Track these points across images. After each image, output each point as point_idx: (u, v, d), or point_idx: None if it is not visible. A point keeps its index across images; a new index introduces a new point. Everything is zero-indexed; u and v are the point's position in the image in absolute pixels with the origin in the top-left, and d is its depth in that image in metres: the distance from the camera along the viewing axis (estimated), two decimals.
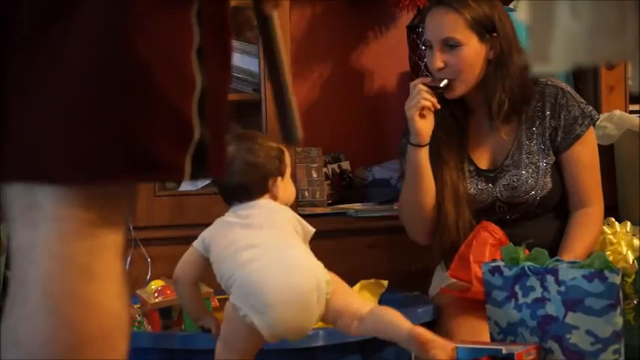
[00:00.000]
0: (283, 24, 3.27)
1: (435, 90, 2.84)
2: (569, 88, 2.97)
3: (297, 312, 2.26)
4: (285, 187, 2.46)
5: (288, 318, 2.26)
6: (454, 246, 2.83)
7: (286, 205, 2.45)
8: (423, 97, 2.82)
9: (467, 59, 2.85)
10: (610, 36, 1.17)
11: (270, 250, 2.31)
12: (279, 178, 2.44)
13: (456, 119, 2.97)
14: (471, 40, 2.85)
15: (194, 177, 1.39)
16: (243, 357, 2.30)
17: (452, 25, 2.85)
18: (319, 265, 2.32)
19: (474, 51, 2.85)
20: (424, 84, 2.85)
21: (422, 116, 2.84)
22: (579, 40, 1.17)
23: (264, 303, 2.24)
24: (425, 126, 2.85)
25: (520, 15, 1.21)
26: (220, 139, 1.42)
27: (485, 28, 2.85)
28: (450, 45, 2.85)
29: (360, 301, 2.36)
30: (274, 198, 2.43)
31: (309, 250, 2.36)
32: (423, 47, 3.58)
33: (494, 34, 2.86)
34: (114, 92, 1.32)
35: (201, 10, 1.37)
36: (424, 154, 2.87)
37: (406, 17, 3.68)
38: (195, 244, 2.39)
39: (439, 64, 2.86)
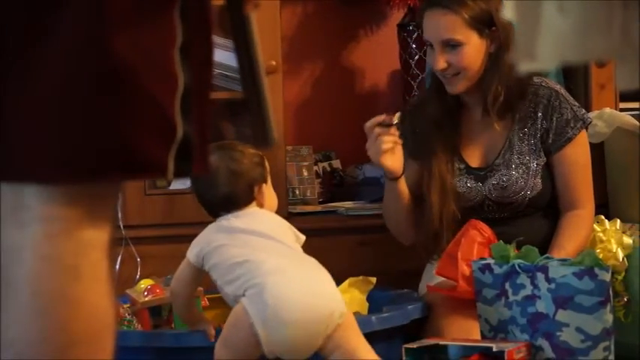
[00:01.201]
0: (274, 22, 3.27)
1: (390, 127, 2.81)
2: (563, 91, 2.97)
3: (304, 336, 2.27)
4: (269, 194, 2.47)
5: (294, 340, 2.26)
6: (437, 237, 2.84)
7: (272, 211, 2.47)
8: (382, 142, 2.80)
9: (469, 57, 2.85)
10: (597, 33, 1.17)
11: (299, 269, 2.32)
12: (264, 185, 2.44)
13: (450, 114, 2.97)
14: (472, 38, 2.84)
15: (178, 175, 1.39)
16: (241, 357, 2.30)
17: (451, 26, 2.84)
18: (338, 295, 2.34)
19: (475, 48, 2.85)
20: (379, 124, 2.81)
21: (390, 153, 2.83)
22: (567, 38, 1.17)
23: (281, 319, 2.24)
24: (395, 162, 2.84)
25: (507, 13, 1.21)
26: (204, 136, 1.42)
27: (484, 24, 2.85)
28: (452, 45, 2.85)
29: (365, 351, 2.35)
30: (260, 206, 2.44)
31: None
32: (414, 45, 3.59)
33: (494, 28, 2.85)
34: (97, 92, 1.32)
35: (184, 8, 1.37)
36: (401, 183, 2.89)
37: (397, 15, 3.68)
38: (191, 257, 2.38)
39: (442, 64, 2.85)
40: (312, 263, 2.36)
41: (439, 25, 2.85)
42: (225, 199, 2.41)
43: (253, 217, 2.41)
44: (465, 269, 2.68)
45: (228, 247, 2.34)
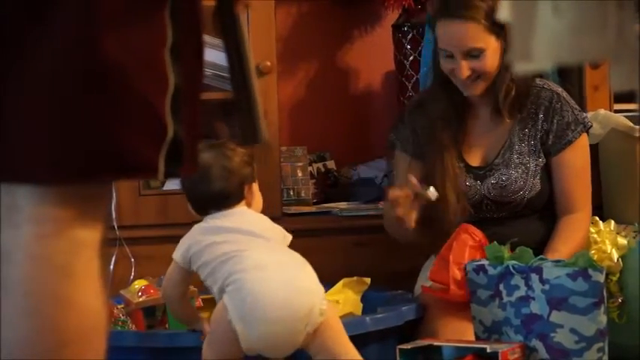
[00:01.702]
0: (268, 22, 3.27)
1: (423, 199, 2.75)
2: (564, 94, 2.97)
3: (283, 333, 2.26)
4: (257, 193, 2.48)
5: (272, 336, 2.26)
6: (449, 234, 2.82)
7: (258, 212, 2.47)
8: (397, 209, 2.75)
9: (491, 62, 2.83)
10: (592, 34, 1.17)
11: (282, 265, 2.31)
12: (253, 185, 2.45)
13: (458, 113, 2.96)
14: (491, 42, 2.83)
15: (168, 175, 1.39)
16: (227, 357, 2.30)
17: (473, 35, 2.81)
18: (320, 292, 2.32)
19: (493, 51, 2.84)
20: (415, 193, 2.74)
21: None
22: (561, 38, 1.17)
23: (257, 316, 2.24)
24: (411, 216, 2.79)
25: (502, 13, 1.20)
26: (194, 136, 1.43)
27: (499, 26, 2.83)
28: (474, 53, 2.84)
29: (350, 347, 2.34)
30: (248, 205, 2.44)
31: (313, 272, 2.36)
32: (409, 46, 3.59)
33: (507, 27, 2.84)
34: (88, 93, 1.32)
35: (174, 8, 1.37)
36: None
37: (391, 16, 3.68)
38: (177, 258, 2.38)
39: (467, 72, 2.83)
40: (296, 260, 2.35)
41: (461, 35, 2.82)
42: (218, 195, 2.41)
43: (241, 216, 2.42)
44: (456, 273, 2.68)
45: (217, 246, 2.34)
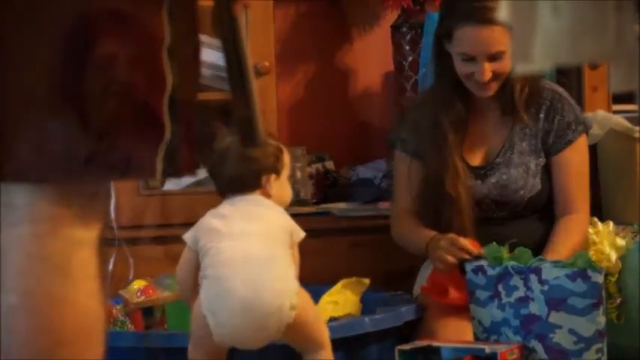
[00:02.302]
0: (267, 23, 3.27)
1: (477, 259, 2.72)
2: (565, 93, 2.97)
3: (250, 330, 2.26)
4: (281, 187, 2.42)
5: (240, 332, 2.25)
6: (464, 233, 2.81)
7: (281, 206, 2.42)
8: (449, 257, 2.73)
9: (509, 62, 2.84)
10: (591, 35, 1.17)
11: (252, 260, 2.29)
12: (274, 176, 2.40)
13: (465, 112, 2.95)
14: (509, 42, 2.82)
15: (166, 175, 1.39)
16: (211, 357, 2.29)
17: (499, 39, 2.79)
18: (291, 288, 2.29)
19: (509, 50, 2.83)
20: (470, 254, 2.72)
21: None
22: (560, 40, 1.18)
23: (227, 310, 2.24)
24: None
25: (502, 14, 1.21)
26: (191, 135, 1.43)
27: None
28: (497, 57, 2.83)
29: (321, 338, 2.34)
30: (267, 195, 2.39)
31: (290, 265, 2.33)
32: (407, 46, 3.59)
33: None
34: (86, 92, 1.32)
35: (172, 9, 1.37)
36: None
37: (390, 17, 3.67)
38: (187, 238, 2.35)
39: (489, 75, 2.83)
40: (269, 256, 2.31)
41: (489, 40, 2.81)
42: (232, 180, 2.38)
43: (249, 204, 2.37)
44: (453, 280, 2.70)
45: (211, 232, 2.32)
